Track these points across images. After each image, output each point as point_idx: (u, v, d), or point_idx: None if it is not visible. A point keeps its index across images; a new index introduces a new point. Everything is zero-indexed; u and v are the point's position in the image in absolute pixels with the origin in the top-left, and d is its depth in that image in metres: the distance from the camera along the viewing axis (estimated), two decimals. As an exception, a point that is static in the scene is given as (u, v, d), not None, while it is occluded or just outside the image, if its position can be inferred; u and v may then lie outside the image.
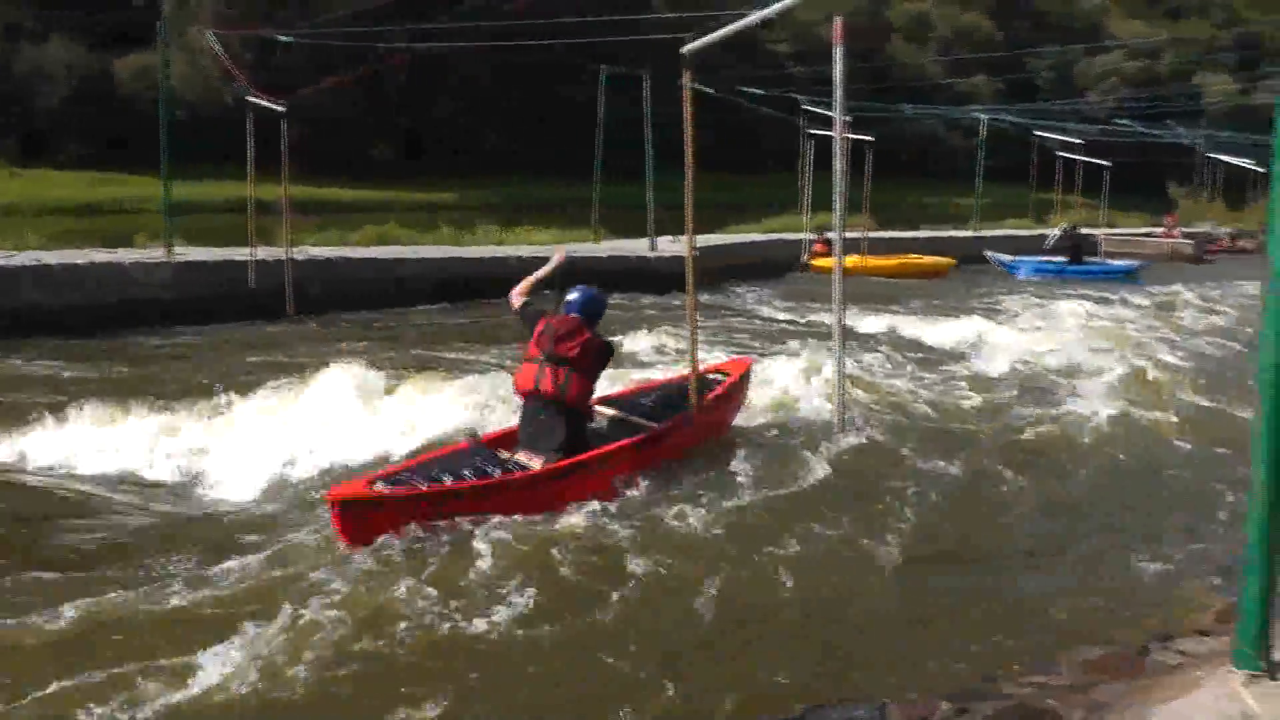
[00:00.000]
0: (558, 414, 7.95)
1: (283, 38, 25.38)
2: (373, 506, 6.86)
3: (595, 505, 7.53)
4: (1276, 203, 3.66)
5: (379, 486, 7.06)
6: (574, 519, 7.31)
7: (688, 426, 9.06)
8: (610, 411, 9.11)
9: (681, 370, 10.62)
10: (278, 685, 5.02)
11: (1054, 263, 30.94)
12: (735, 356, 11.04)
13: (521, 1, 25.68)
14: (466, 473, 7.47)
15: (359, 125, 53.69)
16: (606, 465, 8.05)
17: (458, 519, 7.06)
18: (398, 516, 6.90)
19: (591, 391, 8.36)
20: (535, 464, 7.81)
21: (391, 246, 22.85)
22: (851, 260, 23.45)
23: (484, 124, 58.85)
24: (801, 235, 29.82)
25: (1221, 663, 3.92)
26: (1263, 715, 3.52)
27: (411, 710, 4.88)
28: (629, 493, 7.89)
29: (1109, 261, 33.12)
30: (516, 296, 9.07)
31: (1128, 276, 29.91)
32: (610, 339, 8.72)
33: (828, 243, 28.30)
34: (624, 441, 8.40)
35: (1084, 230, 34.72)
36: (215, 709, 4.84)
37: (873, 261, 27.20)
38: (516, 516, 7.17)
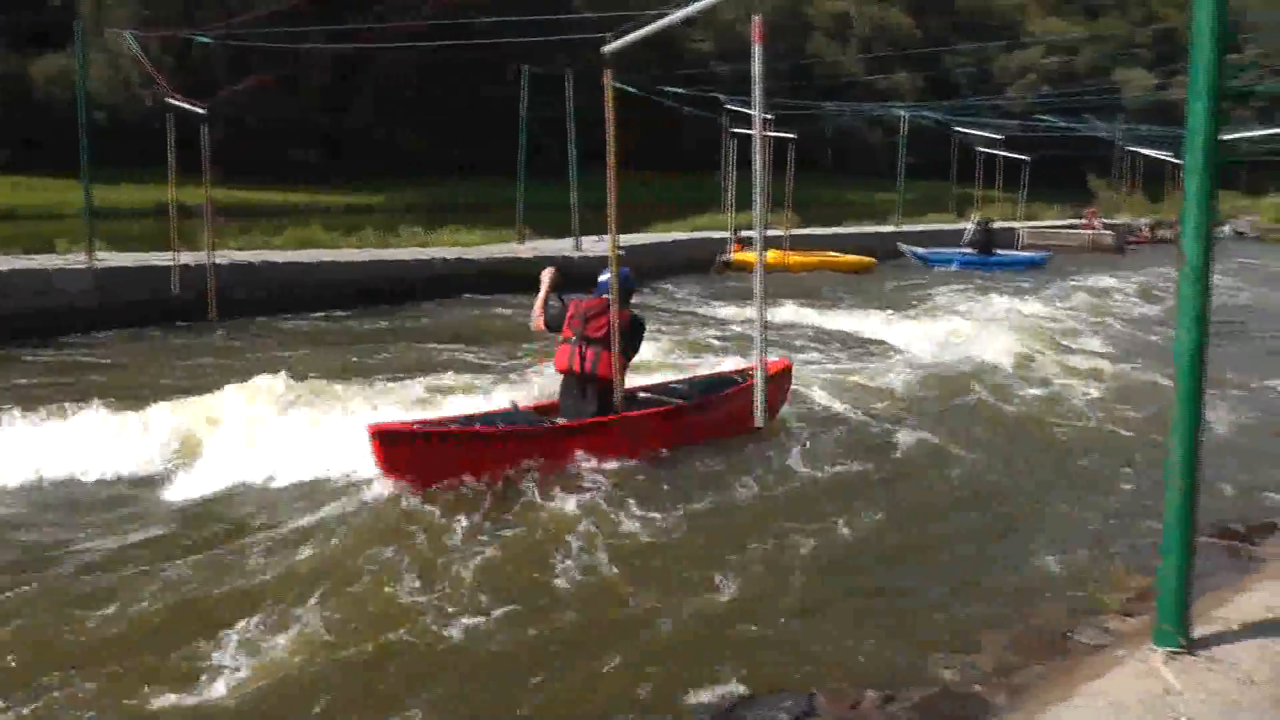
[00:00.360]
0: (590, 388, 8.68)
1: (201, 38, 25.03)
2: (405, 439, 7.65)
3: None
4: (1190, 195, 3.74)
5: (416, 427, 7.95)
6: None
7: (696, 414, 9.53)
8: (647, 395, 9.78)
9: (736, 364, 11.33)
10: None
11: (965, 254, 31.89)
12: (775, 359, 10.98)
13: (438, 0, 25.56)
14: (499, 425, 8.32)
15: (280, 128, 53.06)
16: (626, 430, 8.77)
17: (482, 462, 7.84)
18: (428, 451, 7.71)
19: (624, 365, 8.91)
20: None
21: (316, 250, 22.51)
22: (773, 257, 23.68)
23: (406, 125, 58.44)
24: (723, 233, 29.91)
25: (1143, 641, 3.99)
26: (1183, 690, 3.58)
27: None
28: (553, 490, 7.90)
29: (1017, 253, 34.09)
30: (537, 319, 9.51)
31: (1035, 266, 31.19)
32: (638, 314, 9.23)
33: (744, 241, 28.55)
34: (644, 411, 9.17)
35: (996, 224, 35.42)
36: None
37: (794, 258, 27.34)
38: (532, 469, 7.96)
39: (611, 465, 8.36)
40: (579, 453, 8.34)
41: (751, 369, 9.63)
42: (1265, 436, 10.69)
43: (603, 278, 9.14)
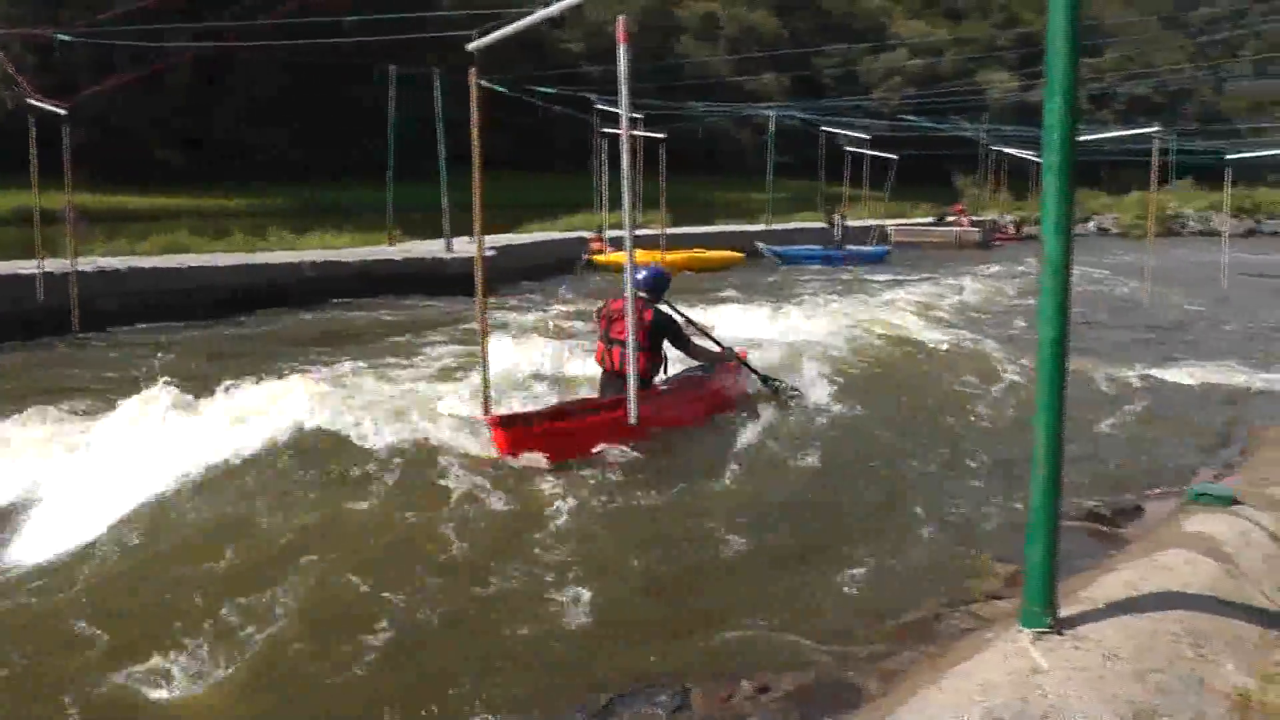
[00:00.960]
0: (621, 383, 8.90)
1: (62, 36, 24.28)
2: (523, 421, 8.75)
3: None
4: (1049, 191, 3.82)
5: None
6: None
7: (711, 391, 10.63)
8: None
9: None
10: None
11: (815, 250, 33.26)
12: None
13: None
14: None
15: (144, 129, 51.76)
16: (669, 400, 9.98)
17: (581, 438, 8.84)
18: (539, 430, 8.69)
19: (655, 361, 9.78)
20: None
21: (184, 255, 21.93)
22: (642, 256, 23.72)
23: (273, 127, 57.43)
24: (585, 233, 30.13)
25: (1011, 623, 4.07)
26: (1049, 668, 3.67)
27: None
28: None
29: (863, 247, 34.85)
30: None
31: (879, 260, 32.74)
32: (663, 310, 9.80)
33: (604, 239, 28.80)
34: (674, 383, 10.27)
35: (849, 222, 36.85)
36: None
37: (668, 257, 27.53)
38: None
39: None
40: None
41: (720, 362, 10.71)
42: (1126, 422, 11.03)
43: (640, 275, 9.54)
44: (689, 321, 10.43)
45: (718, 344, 10.62)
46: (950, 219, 46.53)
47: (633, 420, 8.53)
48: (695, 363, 10.59)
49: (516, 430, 8.63)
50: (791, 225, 41.53)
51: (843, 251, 33.19)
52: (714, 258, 29.95)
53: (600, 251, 28.65)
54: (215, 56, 42.56)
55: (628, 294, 8.51)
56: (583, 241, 29.82)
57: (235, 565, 6.43)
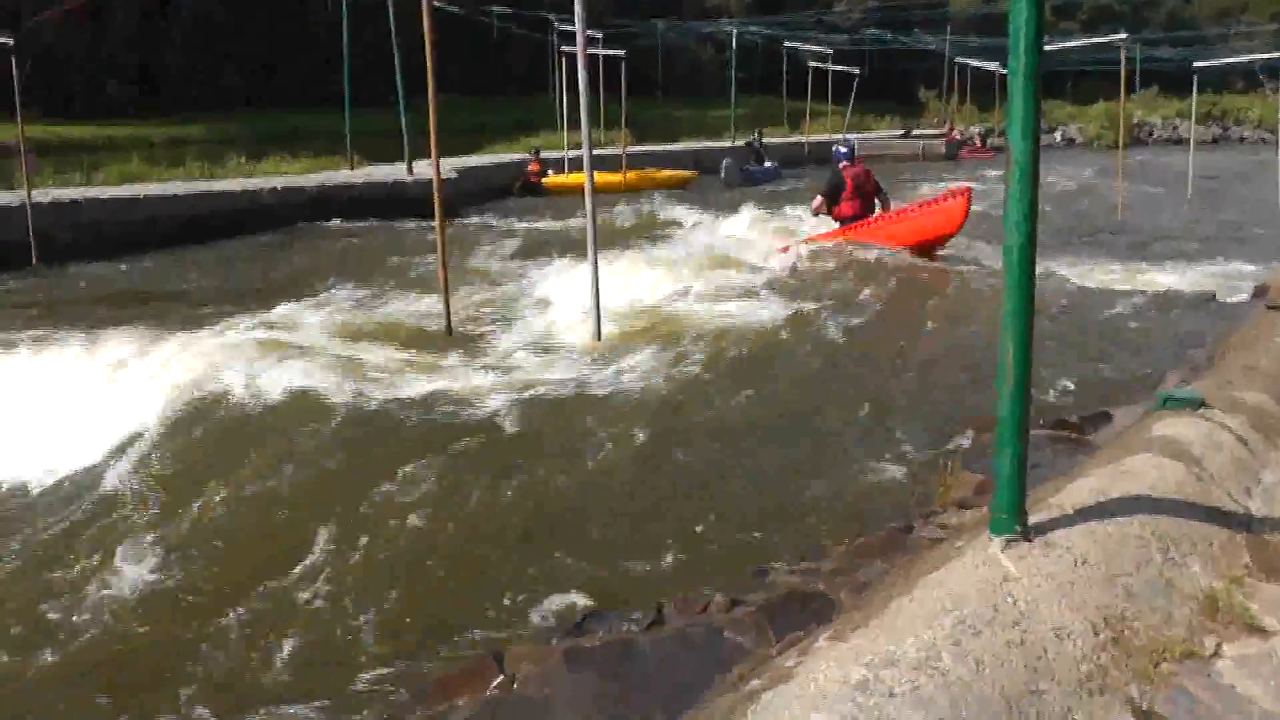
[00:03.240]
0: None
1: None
2: None
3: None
4: (1015, 95, 3.75)
5: None
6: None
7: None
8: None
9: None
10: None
11: (752, 170, 32.76)
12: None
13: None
14: None
15: (90, 62, 50.69)
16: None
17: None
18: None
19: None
20: None
21: (140, 184, 21.55)
22: (600, 179, 23.57)
23: (223, 57, 56.32)
24: (558, 153, 29.70)
25: (981, 532, 4.06)
26: (1019, 575, 3.66)
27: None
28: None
29: (774, 165, 34.62)
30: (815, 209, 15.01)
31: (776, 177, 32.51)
32: None
33: (542, 162, 28.52)
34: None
35: (766, 139, 37.01)
36: None
37: (614, 178, 27.32)
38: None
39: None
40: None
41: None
42: (1095, 330, 11.06)
43: (841, 149, 15.01)
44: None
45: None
46: (944, 131, 46.70)
47: (596, 339, 8.49)
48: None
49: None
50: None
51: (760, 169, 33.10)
52: (666, 177, 29.78)
53: (539, 174, 28.30)
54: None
55: (589, 211, 8.46)
56: (547, 163, 29.50)
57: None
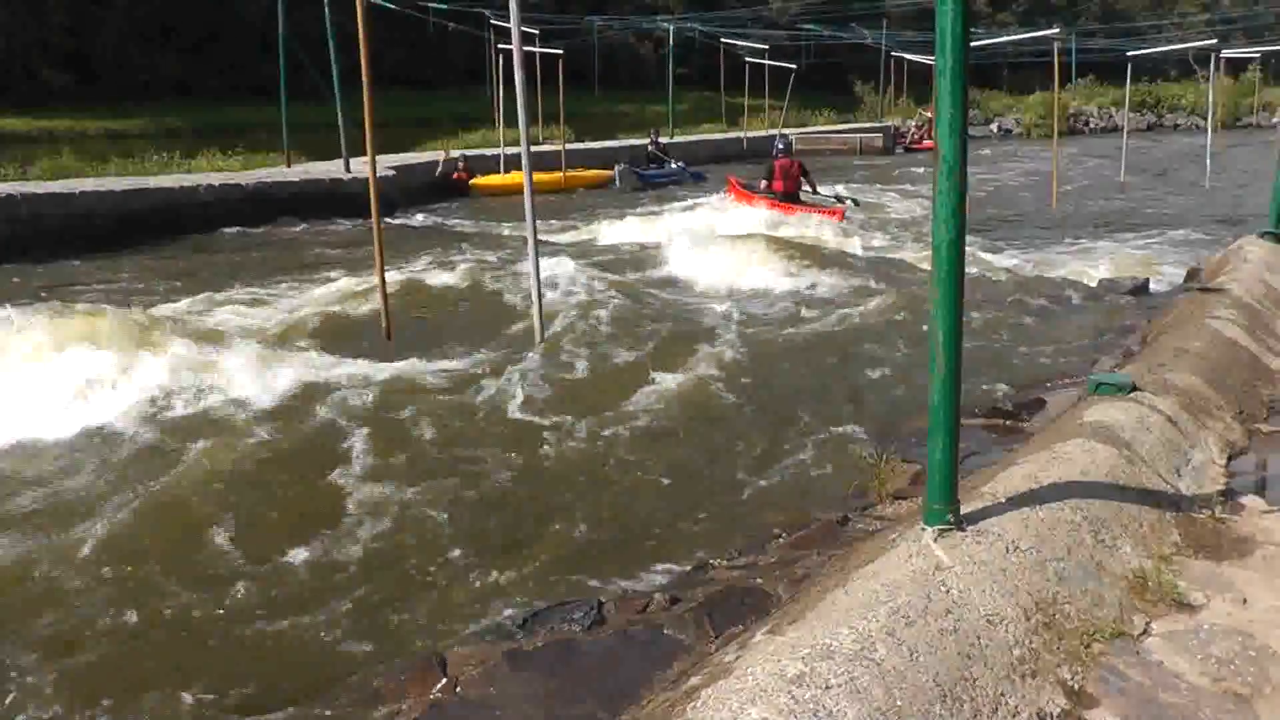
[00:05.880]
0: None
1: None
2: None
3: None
4: (943, 93, 3.80)
5: None
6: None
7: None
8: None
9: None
10: None
11: (647, 172, 31.33)
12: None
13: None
14: None
15: (24, 48, 49.87)
16: None
17: None
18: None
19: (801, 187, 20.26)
20: None
21: (76, 180, 21.17)
22: (517, 177, 23.64)
23: (157, 46, 55.55)
24: (494, 150, 29.44)
25: (916, 522, 4.11)
26: (952, 564, 3.71)
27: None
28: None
29: (678, 166, 32.93)
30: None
31: (695, 178, 31.40)
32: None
33: (466, 161, 28.17)
34: None
35: (662, 139, 35.04)
36: None
37: (551, 177, 27.21)
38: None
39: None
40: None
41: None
42: (1028, 318, 11.21)
43: (779, 144, 20.69)
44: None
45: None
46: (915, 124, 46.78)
47: (540, 339, 8.49)
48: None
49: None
50: (695, 137, 41.45)
51: (663, 172, 31.74)
52: (590, 176, 29.71)
53: (466, 178, 27.88)
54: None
55: (528, 213, 8.46)
56: (486, 161, 29.15)
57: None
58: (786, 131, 37.27)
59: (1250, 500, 4.91)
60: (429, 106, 46.70)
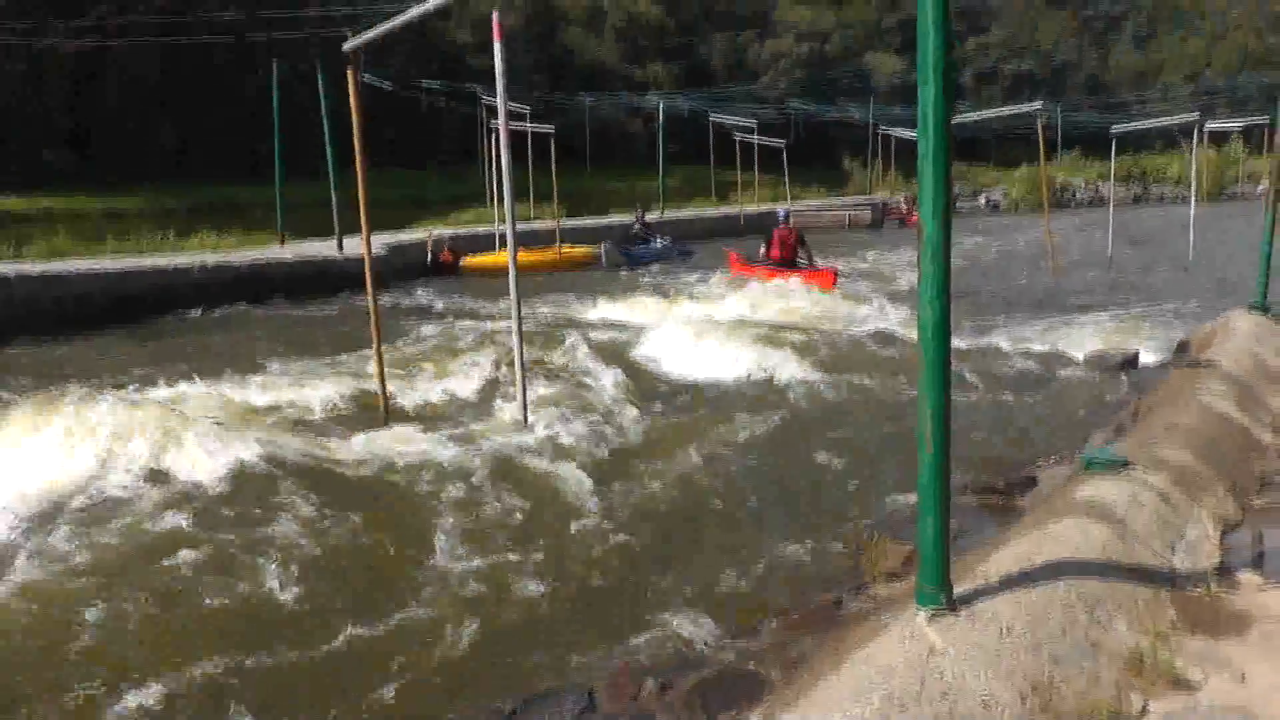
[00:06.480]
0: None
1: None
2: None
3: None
4: (926, 176, 3.84)
5: None
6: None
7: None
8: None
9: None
10: None
11: (633, 249, 30.88)
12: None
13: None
14: None
15: (24, 126, 50.00)
16: None
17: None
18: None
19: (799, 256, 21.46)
20: None
21: (74, 260, 21.26)
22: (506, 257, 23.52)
23: (157, 124, 55.76)
24: (488, 229, 29.43)
25: (909, 604, 4.09)
26: (946, 648, 3.69)
27: None
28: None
29: (663, 243, 32.27)
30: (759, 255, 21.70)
31: (682, 255, 30.92)
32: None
33: (450, 242, 28.03)
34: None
35: (649, 216, 34.75)
36: None
37: (527, 257, 26.81)
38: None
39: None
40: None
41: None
42: (1020, 394, 11.21)
43: (782, 213, 22.68)
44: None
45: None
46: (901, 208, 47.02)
47: (524, 421, 8.49)
48: None
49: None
50: (687, 214, 41.70)
51: (650, 249, 31.13)
52: (579, 254, 29.21)
53: (452, 259, 27.63)
54: (96, 51, 41.18)
55: (513, 296, 8.50)
56: (480, 240, 29.06)
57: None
58: (788, 205, 37.62)
59: (1246, 575, 4.90)
60: (423, 185, 46.92)
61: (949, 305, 3.84)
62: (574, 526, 7.38)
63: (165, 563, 6.66)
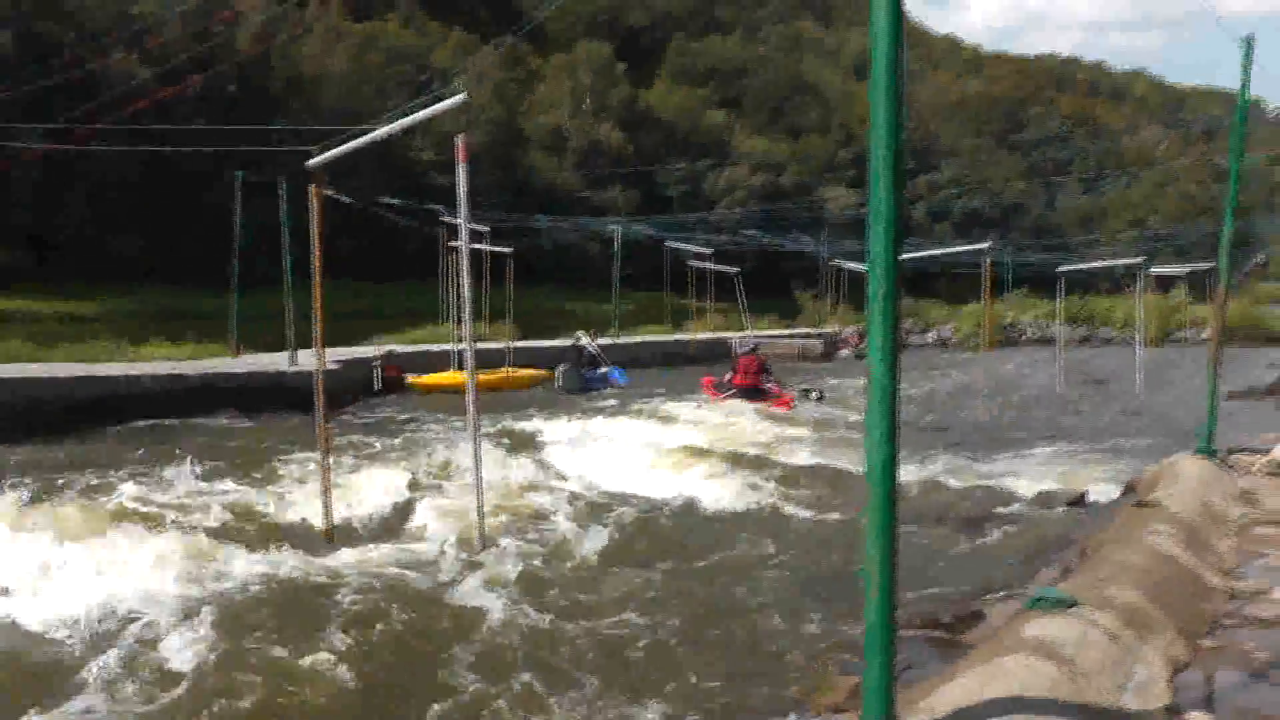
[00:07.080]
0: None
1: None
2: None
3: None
4: (874, 318, 3.87)
5: None
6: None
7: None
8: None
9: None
10: None
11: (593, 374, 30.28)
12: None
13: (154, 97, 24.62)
14: None
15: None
16: None
17: None
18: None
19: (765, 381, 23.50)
20: None
21: (24, 364, 21.06)
22: (455, 376, 24.55)
23: (119, 229, 55.60)
24: (444, 346, 29.35)
25: (854, 743, 4.05)
26: (887, 791, 3.65)
27: None
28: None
29: (605, 369, 31.51)
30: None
31: (622, 380, 30.44)
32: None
33: (392, 357, 28.03)
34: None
35: (598, 340, 33.63)
36: None
37: (492, 376, 26.40)
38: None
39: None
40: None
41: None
42: (967, 529, 11.25)
43: (749, 346, 24.96)
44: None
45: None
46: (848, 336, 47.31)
47: (480, 543, 8.44)
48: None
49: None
50: (639, 339, 41.86)
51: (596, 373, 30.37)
52: (526, 376, 29.10)
53: (395, 373, 27.31)
54: (61, 154, 41.24)
55: (470, 417, 8.48)
56: (433, 356, 28.89)
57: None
58: (746, 334, 37.80)
59: (1196, 715, 4.89)
60: (380, 298, 47.01)
61: (897, 448, 3.86)
62: (517, 655, 7.31)
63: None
